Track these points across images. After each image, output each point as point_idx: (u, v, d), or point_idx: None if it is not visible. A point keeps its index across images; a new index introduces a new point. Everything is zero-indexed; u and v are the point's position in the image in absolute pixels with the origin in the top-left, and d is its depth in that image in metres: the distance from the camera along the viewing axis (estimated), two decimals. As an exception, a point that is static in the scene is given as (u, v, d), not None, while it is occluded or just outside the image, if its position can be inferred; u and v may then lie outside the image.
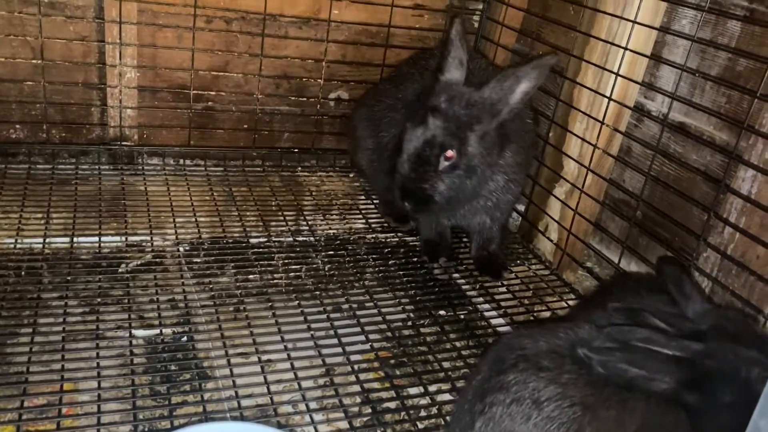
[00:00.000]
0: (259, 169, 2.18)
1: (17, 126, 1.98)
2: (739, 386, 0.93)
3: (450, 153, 1.47)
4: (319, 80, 2.18)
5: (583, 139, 1.75)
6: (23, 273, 1.47)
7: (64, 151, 2.03)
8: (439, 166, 1.48)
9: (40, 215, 1.69)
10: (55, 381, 1.18)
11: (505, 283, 1.75)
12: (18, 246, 1.56)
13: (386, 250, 1.81)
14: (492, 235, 1.79)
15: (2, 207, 1.69)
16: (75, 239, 1.63)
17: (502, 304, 1.66)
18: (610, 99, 1.66)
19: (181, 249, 1.69)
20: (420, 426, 1.23)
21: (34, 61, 1.89)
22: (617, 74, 1.64)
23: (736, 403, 0.92)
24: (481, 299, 1.67)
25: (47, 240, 1.60)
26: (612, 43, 1.65)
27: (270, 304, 1.51)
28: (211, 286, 1.55)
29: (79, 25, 1.92)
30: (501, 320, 1.60)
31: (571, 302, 1.69)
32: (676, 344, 0.97)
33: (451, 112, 1.47)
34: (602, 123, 1.68)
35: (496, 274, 1.76)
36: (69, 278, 1.48)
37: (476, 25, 2.29)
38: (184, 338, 1.38)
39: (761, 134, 1.36)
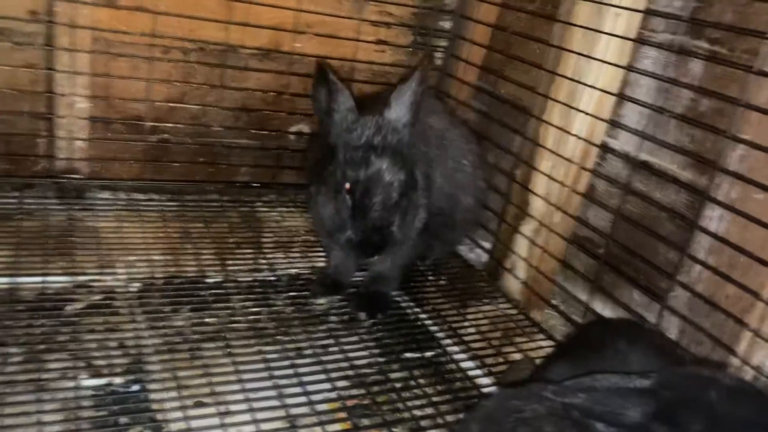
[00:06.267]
0: (216, 204, 2.10)
1: (-45, 157, 1.87)
2: (704, 412, 0.90)
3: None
4: (281, 113, 2.13)
5: (550, 177, 1.74)
6: (-43, 316, 1.35)
7: (7, 184, 1.91)
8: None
9: (-22, 254, 1.57)
10: (-11, 437, 1.07)
11: (473, 322, 1.71)
12: (-48, 287, 1.44)
13: (350, 291, 1.75)
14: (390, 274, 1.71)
15: (-64, 245, 1.57)
16: (16, 279, 1.52)
17: (471, 345, 1.61)
18: (577, 137, 1.65)
19: (132, 289, 1.59)
20: (392, 480, 1.16)
21: (-24, 89, 1.79)
22: (585, 112, 1.64)
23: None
24: (449, 340, 1.62)
25: (-16, 280, 1.48)
26: (579, 82, 1.65)
27: (228, 349, 1.43)
28: (164, 329, 1.46)
29: (26, 52, 1.82)
30: (471, 363, 1.55)
31: (541, 342, 1.66)
32: (633, 379, 0.94)
33: (383, 143, 1.43)
34: (569, 161, 1.67)
35: (371, 313, 1.65)
36: (8, 322, 1.37)
37: (439, 62, 2.28)
38: (136, 387, 1.28)
39: (731, 173, 1.36)
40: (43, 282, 1.54)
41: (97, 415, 1.18)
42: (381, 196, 1.42)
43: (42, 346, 1.33)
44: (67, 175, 1.96)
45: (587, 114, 1.64)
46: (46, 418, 1.14)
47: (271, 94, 2.11)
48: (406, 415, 1.33)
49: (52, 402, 1.19)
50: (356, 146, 1.43)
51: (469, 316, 1.74)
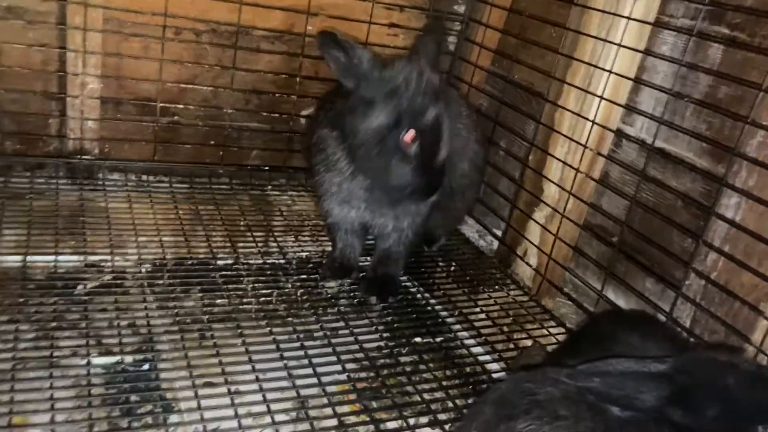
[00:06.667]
0: (226, 187, 2.09)
1: (-33, 137, 1.86)
2: (720, 397, 0.89)
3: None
4: (292, 96, 2.11)
5: (564, 163, 1.72)
6: (-31, 294, 1.35)
7: (19, 164, 1.91)
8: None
9: (-10, 232, 1.57)
10: (3, 414, 1.07)
11: (484, 308, 1.70)
12: (-36, 264, 1.44)
13: (360, 274, 1.74)
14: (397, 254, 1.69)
15: (-52, 222, 1.57)
16: (28, 258, 1.52)
17: (482, 331, 1.60)
18: (593, 123, 1.63)
19: (143, 270, 1.59)
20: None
21: (-11, 68, 1.78)
22: (601, 97, 1.61)
23: (720, 416, 0.89)
24: (459, 326, 1.61)
25: (-3, 258, 1.49)
26: (596, 66, 1.63)
27: (239, 330, 1.43)
28: (175, 310, 1.46)
29: (39, 32, 1.81)
30: (481, 348, 1.54)
31: (552, 329, 1.65)
32: (648, 363, 0.93)
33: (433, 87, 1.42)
34: (585, 147, 1.65)
35: (382, 296, 1.65)
36: (21, 300, 1.37)
37: (452, 46, 2.26)
38: (146, 366, 1.28)
39: (749, 159, 1.34)
40: (54, 261, 1.54)
41: (107, 393, 1.19)
42: (446, 136, 1.41)
43: (53, 324, 1.33)
44: (78, 156, 1.96)
45: (603, 99, 1.62)
46: (58, 393, 1.14)
47: (283, 76, 2.09)
48: (416, 398, 1.32)
49: (64, 378, 1.19)
50: (414, 93, 1.38)
51: (480, 302, 1.73)
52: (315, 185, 1.65)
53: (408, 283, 1.76)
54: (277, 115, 2.14)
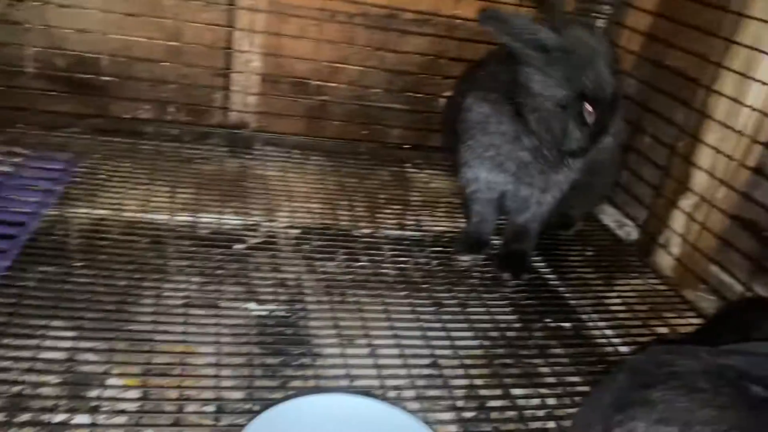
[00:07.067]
0: (369, 162, 2.20)
1: (146, 106, 2.09)
2: None
3: None
4: (436, 77, 2.18)
5: (717, 150, 1.65)
6: (150, 242, 1.54)
7: (188, 133, 2.13)
8: None
9: (166, 190, 1.77)
10: (177, 342, 1.23)
11: (620, 293, 1.68)
12: (146, 217, 1.64)
13: (493, 251, 1.78)
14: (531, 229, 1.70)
15: (134, 180, 1.78)
16: (197, 216, 1.69)
17: (617, 315, 1.59)
18: (752, 108, 1.56)
19: (293, 233, 1.72)
20: (530, 426, 1.19)
21: (168, 43, 1.99)
22: (763, 82, 1.53)
23: None
24: (592, 309, 1.61)
25: (172, 214, 1.67)
26: (758, 50, 1.55)
27: (378, 292, 1.51)
28: (320, 271, 1.57)
29: (212, 13, 2.00)
30: (614, 331, 1.53)
31: (691, 319, 1.60)
32: None
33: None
34: (740, 134, 1.58)
35: (516, 273, 1.67)
36: (191, 250, 1.54)
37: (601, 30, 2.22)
38: (295, 317, 1.40)
39: None
40: (218, 221, 1.70)
41: (261, 336, 1.31)
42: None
43: (218, 273, 1.48)
44: (238, 128, 2.14)
45: (765, 84, 1.54)
46: (221, 331, 1.29)
47: (428, 58, 2.16)
48: (546, 370, 1.35)
49: (225, 318, 1.33)
50: (596, 63, 1.41)
51: (616, 288, 1.71)
52: (462, 151, 1.68)
53: (541, 264, 1.78)
54: (420, 95, 2.21)
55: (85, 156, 1.83)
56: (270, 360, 1.25)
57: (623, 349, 1.47)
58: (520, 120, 1.50)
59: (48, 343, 1.16)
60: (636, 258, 1.89)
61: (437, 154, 2.26)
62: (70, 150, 1.84)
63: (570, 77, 1.41)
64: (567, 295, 1.66)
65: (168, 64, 2.01)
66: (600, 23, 2.20)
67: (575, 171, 1.60)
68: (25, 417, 1.01)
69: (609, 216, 2.12)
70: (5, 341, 1.14)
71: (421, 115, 2.25)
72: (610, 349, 1.47)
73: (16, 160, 1.71)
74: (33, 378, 1.08)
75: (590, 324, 1.55)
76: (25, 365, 1.10)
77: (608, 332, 1.52)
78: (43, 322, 1.20)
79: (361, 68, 2.15)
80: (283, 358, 1.26)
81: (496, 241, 1.81)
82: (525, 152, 1.54)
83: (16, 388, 1.06)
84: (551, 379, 1.32)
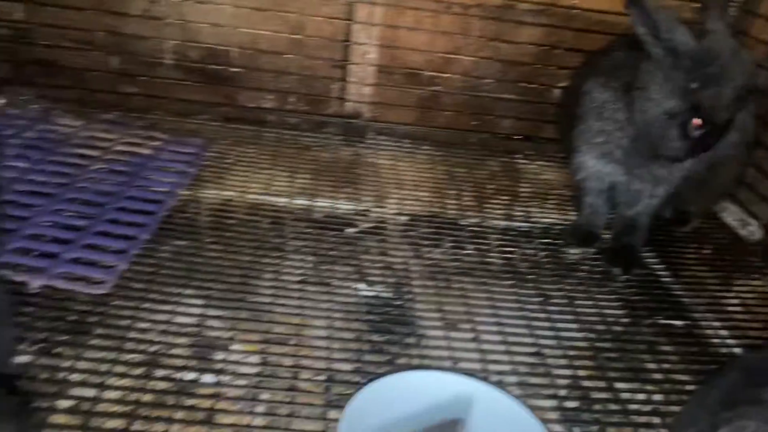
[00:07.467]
0: (478, 152, 2.21)
1: (269, 96, 2.22)
2: None
3: None
4: (550, 67, 2.16)
5: None
6: (271, 223, 1.65)
7: (306, 122, 2.24)
8: None
9: (286, 175, 1.88)
10: (293, 315, 1.32)
11: (738, 294, 1.61)
12: (268, 200, 1.75)
13: (603, 245, 1.75)
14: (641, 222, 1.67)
15: (257, 165, 1.90)
16: (313, 201, 1.78)
17: (735, 317, 1.52)
18: None
19: (401, 219, 1.77)
20: (633, 420, 1.18)
21: (291, 36, 2.10)
22: None
23: None
24: (707, 308, 1.55)
25: (291, 198, 1.77)
26: None
27: (484, 280, 1.54)
28: (426, 258, 1.62)
29: (332, 7, 2.09)
30: (729, 332, 1.47)
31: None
32: None
33: None
34: None
35: (627, 268, 1.63)
36: (307, 232, 1.64)
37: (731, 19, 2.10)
38: (401, 299, 1.45)
39: None
40: (332, 205, 1.79)
41: (370, 318, 1.37)
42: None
43: (330, 253, 1.56)
44: (353, 117, 2.23)
45: None
46: (332, 307, 1.37)
47: (543, 48, 2.15)
48: (653, 366, 1.32)
49: (336, 295, 1.41)
50: (720, 82, 1.37)
51: (735, 289, 1.64)
52: (574, 136, 1.67)
53: (654, 260, 1.73)
54: (533, 86, 2.20)
55: (215, 142, 1.98)
56: (376, 338, 1.31)
57: (738, 351, 1.42)
58: (632, 109, 1.48)
59: (180, 309, 1.28)
60: (759, 259, 1.79)
61: (549, 146, 2.24)
62: (202, 136, 2.00)
63: (688, 89, 1.37)
64: (680, 293, 1.61)
65: (291, 56, 2.13)
66: (731, 12, 2.09)
67: (681, 168, 1.54)
68: (161, 373, 1.13)
69: (731, 214, 2.02)
70: (145, 305, 1.27)
71: (534, 106, 2.24)
72: (724, 350, 1.42)
73: (155, 143, 1.88)
74: (168, 339, 1.20)
75: (704, 324, 1.50)
76: (161, 327, 1.23)
77: (723, 333, 1.47)
78: (177, 290, 1.33)
79: (474, 59, 2.17)
80: (389, 336, 1.32)
81: (606, 236, 1.78)
82: (628, 140, 1.52)
83: (153, 348, 1.18)
84: (658, 376, 1.30)
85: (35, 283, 1.26)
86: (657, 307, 1.53)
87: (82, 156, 1.75)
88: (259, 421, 1.07)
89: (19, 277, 1.26)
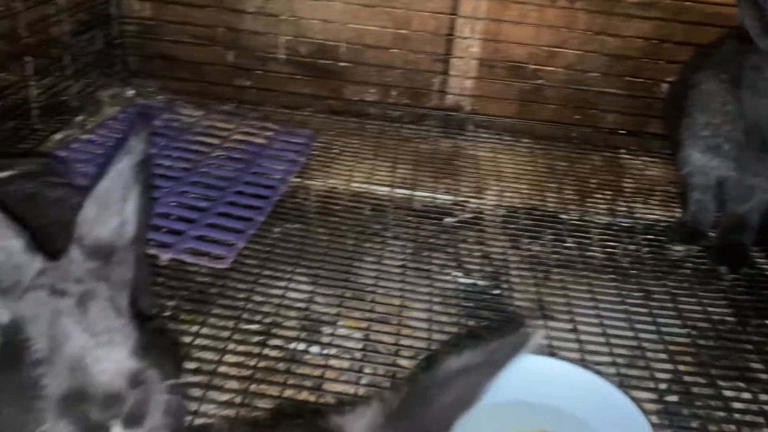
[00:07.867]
0: (580, 147, 2.19)
1: (372, 90, 2.29)
2: None
3: None
4: (659, 62, 2.11)
5: None
6: (373, 211, 1.72)
7: (407, 114, 2.29)
8: None
9: (387, 166, 1.95)
10: (395, 297, 1.38)
11: None
12: (370, 189, 1.82)
13: (711, 243, 1.70)
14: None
15: (361, 156, 1.99)
16: (413, 191, 1.84)
17: None
18: None
19: (500, 211, 1.80)
20: (736, 417, 1.16)
21: (397, 31, 2.16)
22: None
23: None
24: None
25: (393, 187, 1.84)
26: None
27: (584, 274, 1.54)
28: (526, 248, 1.63)
29: (438, 2, 2.14)
30: None
31: None
32: None
33: None
34: None
35: (734, 266, 1.58)
36: (407, 220, 1.69)
37: None
38: (497, 291, 1.48)
39: None
40: (432, 195, 1.83)
41: (466, 306, 1.41)
42: None
43: (429, 242, 1.61)
44: (453, 110, 2.26)
45: None
46: (432, 293, 1.42)
47: (651, 42, 2.10)
48: (759, 366, 1.29)
49: (436, 282, 1.46)
50: None
51: None
52: (680, 129, 1.64)
53: (763, 260, 1.66)
54: (640, 80, 2.16)
55: (322, 133, 2.08)
56: (473, 324, 1.35)
57: None
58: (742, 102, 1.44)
59: (292, 286, 1.38)
60: None
61: (655, 141, 2.19)
62: (310, 127, 2.10)
63: None
64: (792, 294, 1.55)
65: (395, 50, 2.19)
66: None
67: None
68: (275, 342, 1.23)
69: None
70: (262, 281, 1.38)
71: (640, 101, 2.19)
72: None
73: (268, 134, 2.00)
74: (282, 312, 1.30)
75: (820, 329, 1.43)
76: (275, 301, 1.33)
77: (840, 338, 1.40)
78: (289, 269, 1.43)
79: (579, 52, 2.15)
80: (486, 323, 1.35)
81: (712, 234, 1.72)
82: (740, 134, 1.48)
83: (268, 319, 1.28)
84: (766, 376, 1.27)
85: (164, 256, 1.39)
86: (766, 308, 1.48)
87: (203, 143, 1.89)
88: (363, 391, 1.14)
89: (150, 251, 1.40)
